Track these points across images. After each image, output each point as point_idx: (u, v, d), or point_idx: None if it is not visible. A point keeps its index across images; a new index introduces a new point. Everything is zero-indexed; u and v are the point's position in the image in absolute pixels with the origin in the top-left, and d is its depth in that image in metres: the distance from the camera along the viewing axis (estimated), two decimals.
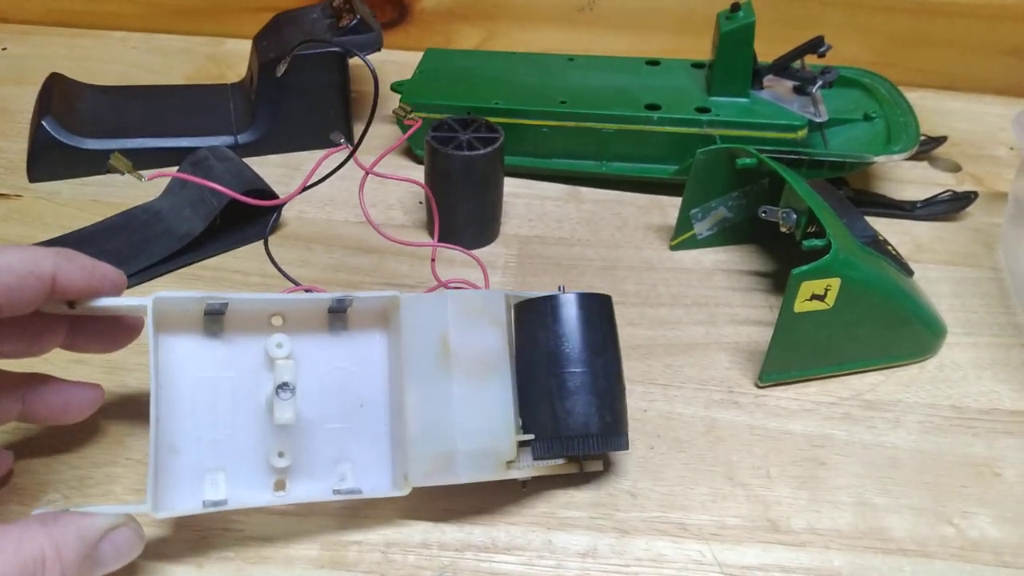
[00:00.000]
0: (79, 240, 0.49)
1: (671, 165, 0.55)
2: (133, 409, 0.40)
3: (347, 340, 0.37)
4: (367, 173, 0.43)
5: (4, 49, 0.70)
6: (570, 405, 0.35)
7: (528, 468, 0.35)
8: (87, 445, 0.38)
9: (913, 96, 0.60)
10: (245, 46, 0.71)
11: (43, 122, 0.54)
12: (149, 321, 0.33)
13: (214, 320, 0.35)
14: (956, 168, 0.60)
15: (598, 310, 0.37)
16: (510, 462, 0.34)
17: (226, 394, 0.35)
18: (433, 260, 0.47)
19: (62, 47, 0.71)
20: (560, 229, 0.53)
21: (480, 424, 0.34)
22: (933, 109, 0.66)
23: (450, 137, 0.48)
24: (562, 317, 0.36)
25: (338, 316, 0.37)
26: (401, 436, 0.35)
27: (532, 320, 0.37)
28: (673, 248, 0.51)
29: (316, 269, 0.48)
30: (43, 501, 0.36)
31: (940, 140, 0.60)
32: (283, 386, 0.33)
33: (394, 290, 0.36)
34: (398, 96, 0.58)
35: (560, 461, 0.36)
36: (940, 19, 0.68)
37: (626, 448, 0.36)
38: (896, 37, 0.69)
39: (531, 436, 0.35)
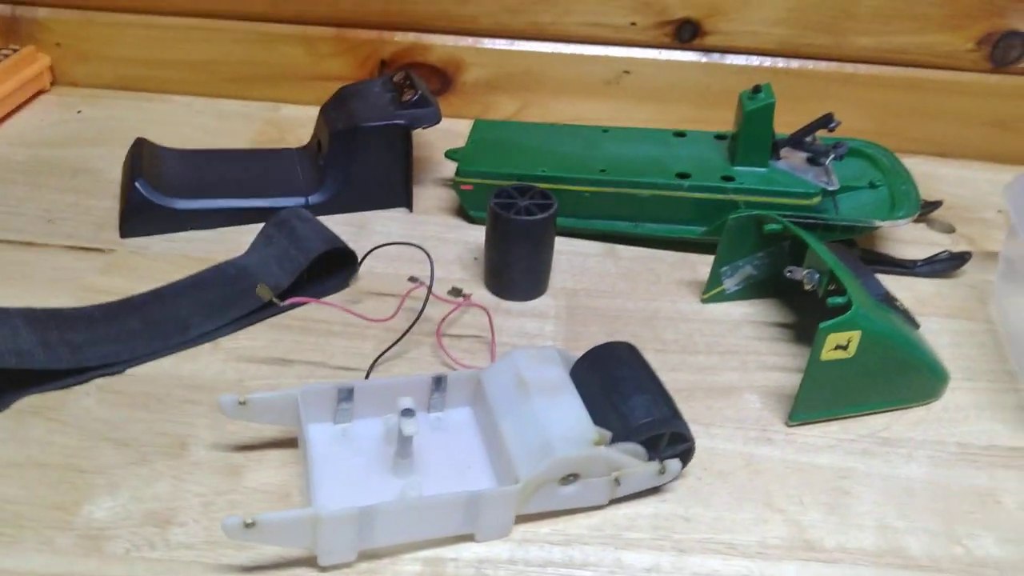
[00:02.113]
0: (177, 292, 0.54)
1: (699, 227, 0.62)
2: (245, 441, 0.45)
3: (444, 417, 0.46)
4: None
5: (79, 112, 0.76)
6: (632, 403, 0.42)
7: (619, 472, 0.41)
8: (208, 474, 0.43)
9: (909, 162, 0.67)
10: (300, 111, 0.78)
11: (136, 184, 0.60)
12: (300, 407, 0.43)
13: (345, 401, 0.45)
14: (951, 229, 0.67)
15: (624, 350, 0.46)
16: (596, 441, 0.41)
17: (356, 463, 0.43)
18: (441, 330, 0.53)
19: (132, 110, 0.77)
20: (601, 283, 0.59)
21: (563, 418, 0.42)
22: (928, 175, 0.73)
23: (510, 203, 0.55)
24: (599, 359, 0.45)
25: (436, 396, 0.46)
26: (507, 464, 0.41)
27: (579, 373, 0.45)
28: (704, 301, 0.57)
29: (397, 320, 0.54)
30: (175, 523, 0.41)
31: (936, 204, 0.67)
32: (406, 411, 0.41)
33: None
34: (450, 161, 0.64)
35: (641, 463, 0.42)
36: (932, 94, 0.76)
37: (689, 436, 0.43)
38: (893, 109, 0.77)
39: (609, 432, 0.42)
